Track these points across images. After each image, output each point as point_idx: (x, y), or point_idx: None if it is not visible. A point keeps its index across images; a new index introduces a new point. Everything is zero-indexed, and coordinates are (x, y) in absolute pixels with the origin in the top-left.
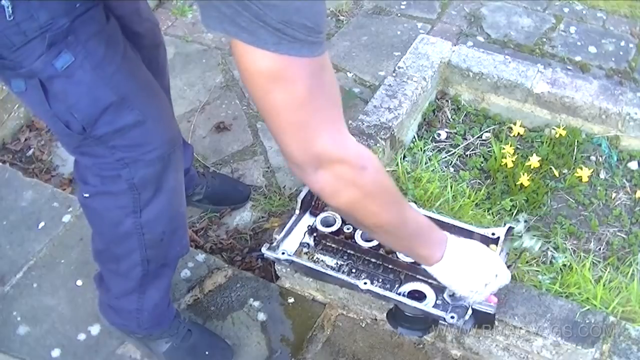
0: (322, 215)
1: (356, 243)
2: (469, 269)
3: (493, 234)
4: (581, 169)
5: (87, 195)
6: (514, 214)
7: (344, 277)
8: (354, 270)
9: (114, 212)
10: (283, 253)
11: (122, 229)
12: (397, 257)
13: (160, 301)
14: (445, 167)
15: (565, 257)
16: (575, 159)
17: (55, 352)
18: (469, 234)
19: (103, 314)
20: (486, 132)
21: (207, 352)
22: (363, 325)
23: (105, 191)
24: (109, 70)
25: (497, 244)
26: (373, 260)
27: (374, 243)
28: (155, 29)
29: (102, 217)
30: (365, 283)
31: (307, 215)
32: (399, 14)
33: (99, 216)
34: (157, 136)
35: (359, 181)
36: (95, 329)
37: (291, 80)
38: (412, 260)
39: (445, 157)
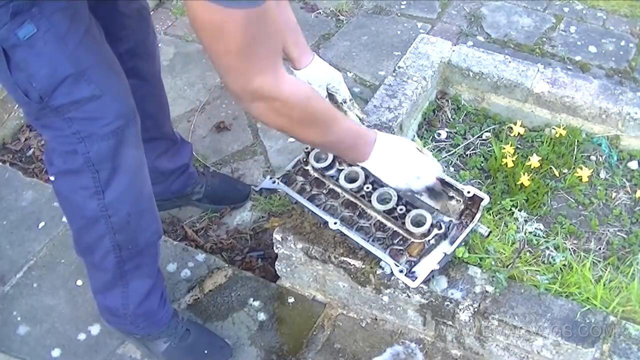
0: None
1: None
2: (393, 167)
3: (468, 192)
4: (581, 168)
5: (53, 178)
6: (514, 213)
7: (319, 211)
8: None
9: (78, 194)
10: (274, 182)
11: (88, 213)
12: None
13: (148, 296)
14: (446, 166)
15: (564, 256)
16: (576, 158)
17: (56, 352)
18: (448, 186)
19: (101, 315)
20: (486, 131)
21: (205, 351)
22: (363, 325)
23: (66, 170)
24: (70, 44)
25: (471, 204)
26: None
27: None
28: (144, 11)
29: (69, 201)
30: (335, 222)
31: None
32: (399, 14)
33: (66, 201)
34: (112, 111)
35: (289, 113)
36: (95, 329)
37: (229, 31)
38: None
39: (446, 156)
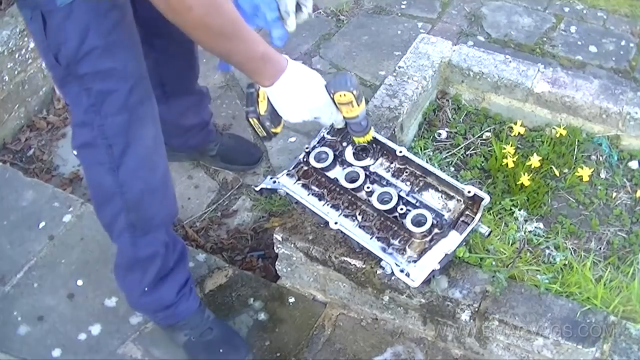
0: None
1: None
2: (294, 101)
3: (469, 192)
4: (582, 168)
5: (75, 152)
6: (514, 213)
7: (320, 211)
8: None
9: (95, 169)
10: (275, 182)
11: (105, 189)
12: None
13: (161, 286)
14: (446, 166)
15: (565, 256)
16: (576, 158)
17: (56, 352)
18: (448, 185)
19: (127, 301)
20: (487, 131)
21: (221, 350)
22: (364, 325)
23: (83, 143)
24: (102, 16)
25: (471, 204)
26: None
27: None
28: None
29: (89, 175)
30: (336, 222)
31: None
32: (399, 14)
33: (88, 175)
34: (129, 86)
35: (183, 15)
36: (95, 329)
37: None
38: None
39: (446, 156)
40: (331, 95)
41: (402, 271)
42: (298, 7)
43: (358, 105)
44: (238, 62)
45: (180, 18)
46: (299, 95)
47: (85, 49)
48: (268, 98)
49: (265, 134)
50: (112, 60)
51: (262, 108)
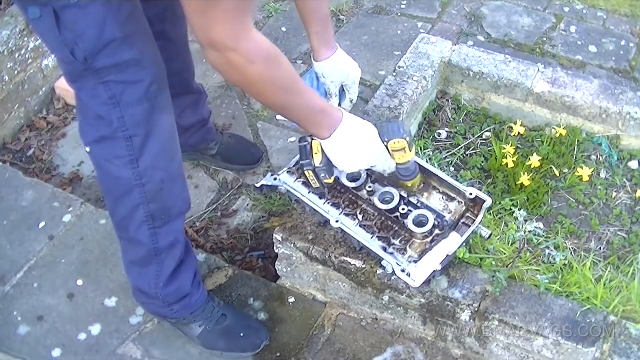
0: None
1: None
2: (351, 152)
3: (470, 194)
4: (582, 168)
5: (88, 149)
6: (514, 213)
7: (321, 209)
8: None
9: (112, 164)
10: (275, 179)
11: (123, 183)
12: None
13: (179, 275)
14: (446, 166)
15: (565, 256)
16: (576, 158)
17: (56, 352)
18: (450, 187)
19: (136, 299)
20: (487, 131)
21: (242, 334)
22: (364, 325)
23: (100, 138)
24: (118, 8)
25: (472, 206)
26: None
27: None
28: None
29: (104, 171)
30: (337, 221)
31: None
32: (399, 14)
33: (102, 170)
34: (149, 76)
35: (245, 71)
36: (95, 329)
37: None
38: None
39: (446, 156)
40: (385, 143)
41: (403, 271)
42: (342, 91)
43: (410, 150)
44: (298, 115)
45: (240, 74)
46: (356, 145)
47: (103, 41)
48: (322, 150)
49: (318, 185)
50: (131, 51)
51: (317, 160)
